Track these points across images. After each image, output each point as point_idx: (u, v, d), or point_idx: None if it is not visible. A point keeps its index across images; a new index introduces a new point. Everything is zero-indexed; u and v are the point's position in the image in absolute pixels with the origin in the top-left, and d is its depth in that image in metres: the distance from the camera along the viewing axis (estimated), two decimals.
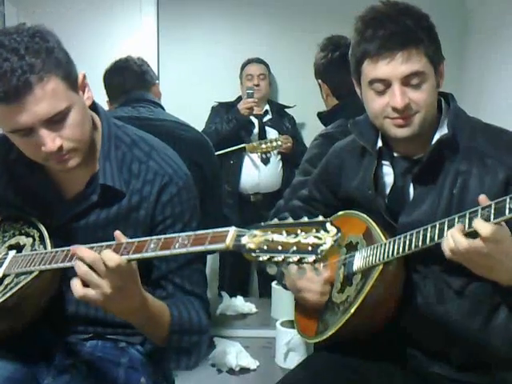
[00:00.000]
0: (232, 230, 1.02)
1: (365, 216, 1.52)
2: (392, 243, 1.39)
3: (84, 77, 1.30)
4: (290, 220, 0.98)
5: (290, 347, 2.32)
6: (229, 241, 1.01)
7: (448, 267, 1.38)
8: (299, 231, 0.95)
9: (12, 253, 1.39)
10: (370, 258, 1.44)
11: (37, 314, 1.38)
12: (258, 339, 2.63)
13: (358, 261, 1.50)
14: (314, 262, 0.92)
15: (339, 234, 0.93)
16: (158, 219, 1.38)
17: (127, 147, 1.40)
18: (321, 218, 0.96)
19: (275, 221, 1.00)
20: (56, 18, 3.19)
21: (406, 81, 1.36)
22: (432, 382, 1.46)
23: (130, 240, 1.16)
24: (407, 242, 1.34)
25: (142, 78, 2.46)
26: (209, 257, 3.35)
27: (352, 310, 1.42)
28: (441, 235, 1.25)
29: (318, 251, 0.92)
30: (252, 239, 0.97)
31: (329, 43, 2.29)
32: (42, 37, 1.20)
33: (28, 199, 1.42)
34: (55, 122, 1.22)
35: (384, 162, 1.52)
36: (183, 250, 1.08)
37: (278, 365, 2.39)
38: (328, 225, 0.94)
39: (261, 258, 0.96)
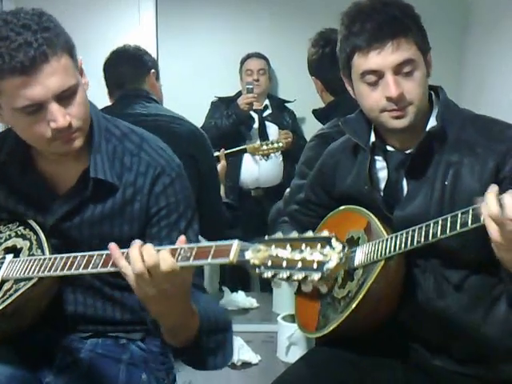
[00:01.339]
0: (235, 245, 1.00)
1: (366, 211, 1.52)
2: (394, 239, 1.39)
3: (81, 62, 1.31)
4: (295, 234, 0.97)
5: (292, 341, 2.32)
6: (232, 256, 0.99)
7: (446, 261, 1.38)
8: (304, 246, 0.93)
9: (9, 257, 1.36)
10: (372, 253, 1.44)
11: (37, 317, 1.37)
12: (260, 334, 2.64)
13: (360, 256, 1.49)
14: (320, 279, 0.90)
15: (345, 251, 0.91)
16: (153, 211, 1.37)
17: (118, 140, 1.39)
18: (326, 233, 0.94)
19: (279, 235, 0.98)
20: (54, 14, 3.17)
21: (397, 70, 1.36)
22: (433, 375, 1.46)
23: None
24: (409, 238, 1.34)
25: (135, 69, 2.42)
26: None
27: (353, 306, 1.42)
28: (443, 231, 1.25)
29: (324, 269, 0.90)
30: (256, 254, 0.96)
31: (320, 38, 2.26)
32: (48, 17, 1.23)
33: (21, 200, 1.40)
34: (65, 98, 1.23)
35: (377, 157, 1.52)
36: (186, 264, 1.06)
37: (279, 359, 2.39)
38: (333, 240, 0.91)
39: (265, 275, 0.94)
